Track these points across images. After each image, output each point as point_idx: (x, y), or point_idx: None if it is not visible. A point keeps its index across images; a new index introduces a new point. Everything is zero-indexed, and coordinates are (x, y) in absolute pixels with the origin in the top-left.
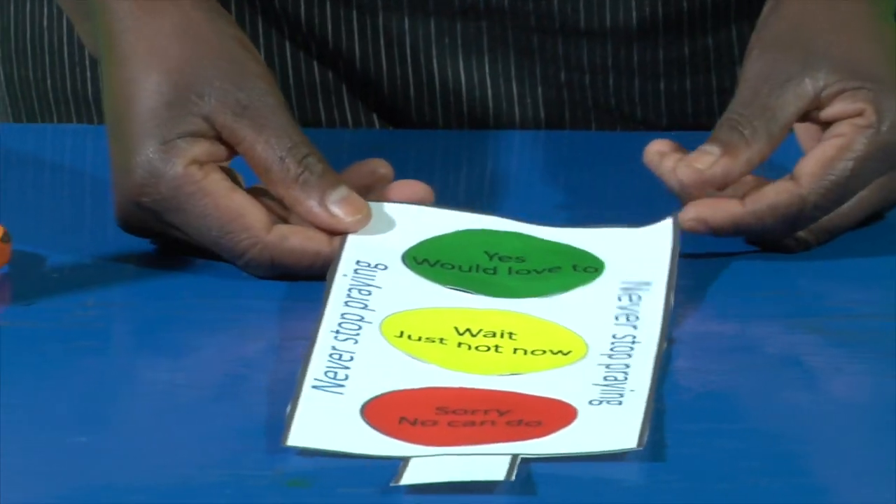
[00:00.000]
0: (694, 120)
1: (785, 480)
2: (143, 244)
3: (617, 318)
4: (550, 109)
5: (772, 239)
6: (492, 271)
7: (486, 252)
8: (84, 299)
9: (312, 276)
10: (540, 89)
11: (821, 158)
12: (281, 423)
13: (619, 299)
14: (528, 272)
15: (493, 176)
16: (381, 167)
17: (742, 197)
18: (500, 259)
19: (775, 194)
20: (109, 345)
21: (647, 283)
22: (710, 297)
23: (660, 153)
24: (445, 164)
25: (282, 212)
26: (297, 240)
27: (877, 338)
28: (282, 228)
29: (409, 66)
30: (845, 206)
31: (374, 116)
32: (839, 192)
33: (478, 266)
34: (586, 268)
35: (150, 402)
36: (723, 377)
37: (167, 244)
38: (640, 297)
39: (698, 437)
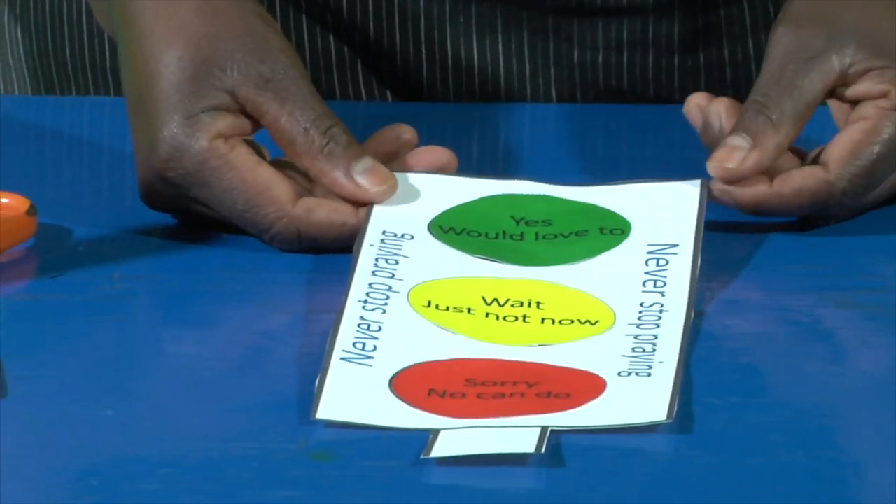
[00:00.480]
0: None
1: (815, 455)
2: (168, 217)
3: (644, 285)
4: (562, 89)
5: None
6: (518, 237)
7: (512, 217)
8: (110, 272)
9: (339, 248)
10: (553, 69)
11: (847, 143)
12: (306, 396)
13: (647, 264)
14: (555, 236)
15: (508, 146)
16: (406, 132)
17: (771, 177)
18: (527, 223)
19: (802, 179)
20: (135, 318)
21: (674, 246)
22: (737, 270)
23: (699, 106)
24: (459, 135)
25: (307, 184)
26: (323, 212)
27: None
28: (308, 201)
29: (423, 44)
30: (874, 191)
31: (388, 92)
32: (867, 177)
33: (504, 232)
34: (613, 230)
35: (175, 375)
36: (751, 351)
37: (192, 220)
38: (667, 262)
39: (726, 411)
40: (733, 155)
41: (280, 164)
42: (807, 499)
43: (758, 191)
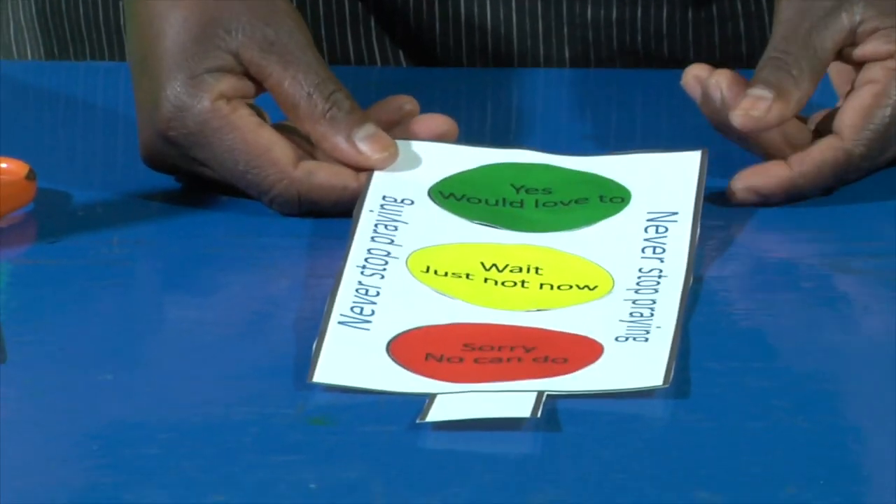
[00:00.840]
0: (721, 49)
1: (816, 420)
2: (169, 182)
3: (643, 251)
4: (576, 49)
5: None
6: (518, 204)
7: (512, 185)
8: (109, 237)
9: (339, 212)
10: (566, 28)
11: (859, 108)
12: (305, 361)
13: (646, 231)
14: (555, 204)
15: (519, 113)
16: (407, 103)
17: (786, 160)
18: (527, 191)
19: (820, 152)
20: (135, 283)
21: (674, 214)
22: (737, 236)
23: (697, 77)
24: (471, 101)
25: (308, 148)
26: (323, 175)
27: None
28: (309, 164)
29: (437, 1)
30: (888, 153)
31: (400, 52)
32: (882, 140)
33: (504, 199)
34: (613, 198)
35: (175, 340)
36: (751, 316)
37: (193, 182)
38: (666, 229)
39: (726, 377)
40: (758, 104)
41: (281, 128)
42: (807, 463)
43: (781, 176)
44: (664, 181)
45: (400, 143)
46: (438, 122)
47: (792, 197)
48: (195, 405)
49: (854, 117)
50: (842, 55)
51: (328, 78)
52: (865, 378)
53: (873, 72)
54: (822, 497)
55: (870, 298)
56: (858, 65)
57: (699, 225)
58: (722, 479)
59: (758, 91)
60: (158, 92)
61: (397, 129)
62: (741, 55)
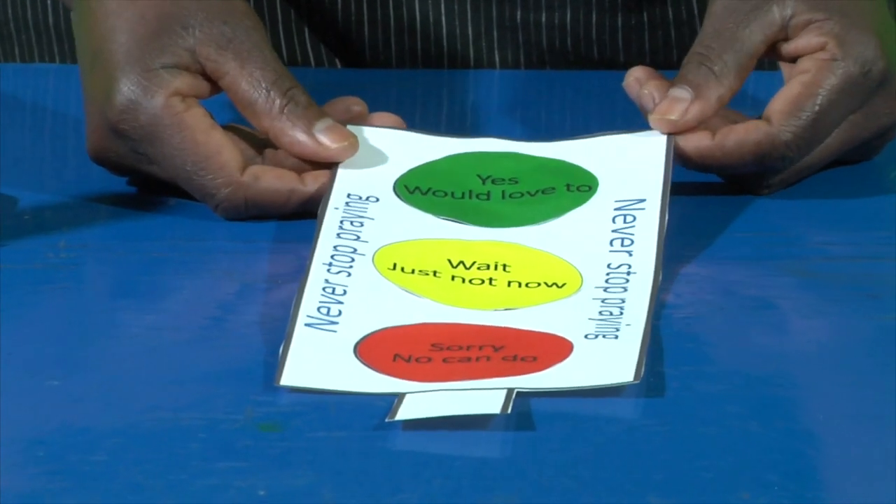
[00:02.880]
0: (651, 56)
1: (772, 425)
2: (117, 185)
3: (611, 244)
4: (506, 52)
5: (740, 178)
6: (485, 196)
7: (478, 175)
8: (56, 241)
9: (286, 217)
10: (496, 31)
11: (788, 96)
12: (257, 366)
13: (614, 221)
14: (522, 195)
15: (451, 114)
16: (356, 105)
17: (713, 131)
18: (494, 182)
19: (745, 131)
20: (82, 287)
21: (641, 201)
22: (683, 237)
23: (638, 80)
24: (403, 103)
25: (256, 154)
26: (269, 179)
27: (854, 280)
28: (254, 169)
29: (366, 3)
30: (818, 148)
31: (332, 54)
32: (811, 129)
33: (471, 192)
34: (580, 186)
35: (123, 345)
36: (699, 320)
37: (139, 181)
38: (634, 218)
39: (678, 380)
40: (675, 106)
41: (230, 130)
42: (761, 468)
43: (700, 142)
44: (631, 166)
45: (365, 130)
46: (387, 122)
47: (708, 168)
48: (143, 410)
49: (783, 104)
50: (774, 51)
51: (284, 75)
52: (816, 383)
53: (805, 63)
54: (776, 502)
55: (817, 302)
56: (791, 60)
57: (667, 212)
58: (675, 484)
59: (676, 92)
60: (112, 84)
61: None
62: (672, 61)
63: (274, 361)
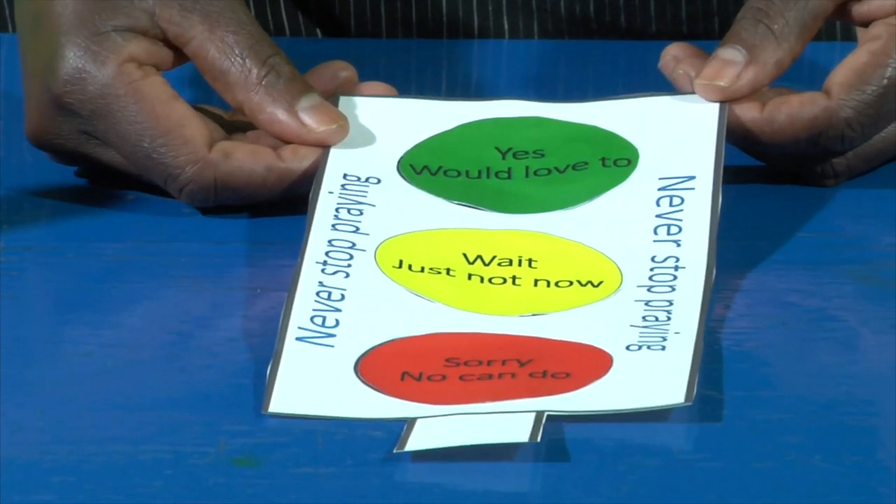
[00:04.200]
0: (689, 25)
1: (839, 459)
2: (65, 175)
3: (656, 232)
4: (516, 19)
5: (796, 163)
6: (506, 175)
7: (497, 148)
8: None
9: (260, 203)
10: None
11: (853, 66)
12: (228, 390)
13: (658, 204)
14: (549, 172)
15: (451, 90)
16: (344, 70)
17: (763, 103)
18: (515, 156)
19: (800, 104)
20: (25, 297)
21: (690, 179)
22: (730, 236)
23: (676, 58)
24: (396, 78)
25: (224, 133)
26: (242, 156)
27: None
28: (225, 145)
29: None
30: (888, 128)
31: (311, 23)
32: (876, 106)
33: (488, 169)
34: (617, 160)
35: (73, 366)
36: (752, 335)
37: (84, 167)
38: (682, 200)
39: (729, 407)
40: (725, 71)
41: (196, 109)
42: None
43: (746, 114)
44: (676, 135)
45: (358, 100)
46: (378, 90)
47: (753, 146)
48: (97, 443)
49: (846, 75)
50: (845, 12)
51: (263, 40)
52: (893, 408)
53: (876, 29)
54: None
55: (892, 314)
56: (864, 24)
57: (720, 193)
58: None
59: (728, 53)
60: (56, 51)
61: (333, 100)
62: (714, 32)
63: (251, 385)
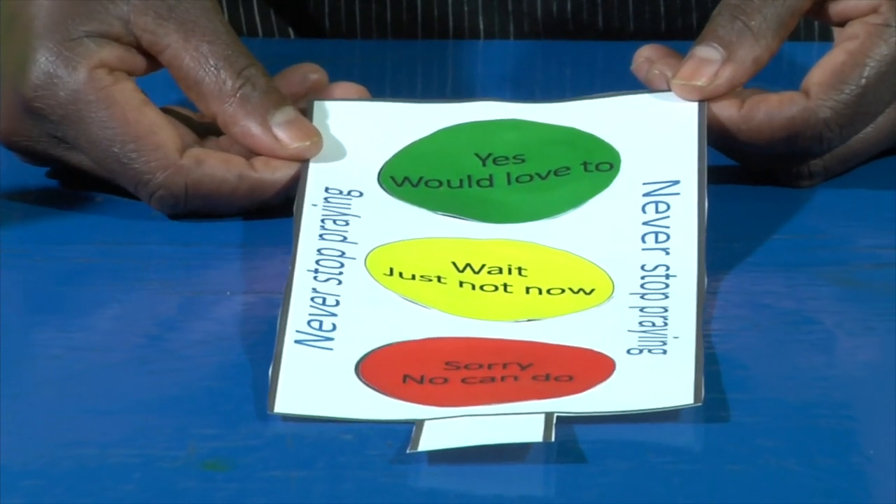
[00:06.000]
0: (667, 24)
1: (814, 463)
2: (34, 177)
3: (644, 240)
4: (492, 19)
5: (772, 164)
6: (487, 182)
7: (477, 155)
8: None
9: (231, 212)
10: None
11: (830, 66)
12: (201, 393)
13: (644, 210)
14: (531, 178)
15: (432, 94)
16: (314, 72)
17: (741, 101)
18: (496, 162)
19: (778, 103)
20: None
21: (674, 183)
22: (710, 242)
23: (649, 60)
24: (371, 79)
25: (196, 139)
26: (214, 163)
27: None
28: (195, 151)
29: None
30: (866, 130)
31: (284, 23)
32: (854, 106)
33: (470, 178)
34: (599, 164)
35: (41, 369)
36: (728, 338)
37: (56, 170)
38: (668, 206)
39: (703, 411)
40: (703, 70)
41: (168, 113)
42: None
43: (723, 112)
44: (656, 136)
45: (331, 104)
46: (349, 91)
47: (730, 145)
48: (65, 446)
49: (824, 74)
50: (821, 11)
51: (239, 51)
52: (868, 411)
53: (853, 28)
54: None
55: (870, 316)
56: (840, 24)
57: (706, 197)
58: None
59: (704, 51)
60: (27, 55)
61: (303, 102)
62: (692, 27)
63: (221, 388)
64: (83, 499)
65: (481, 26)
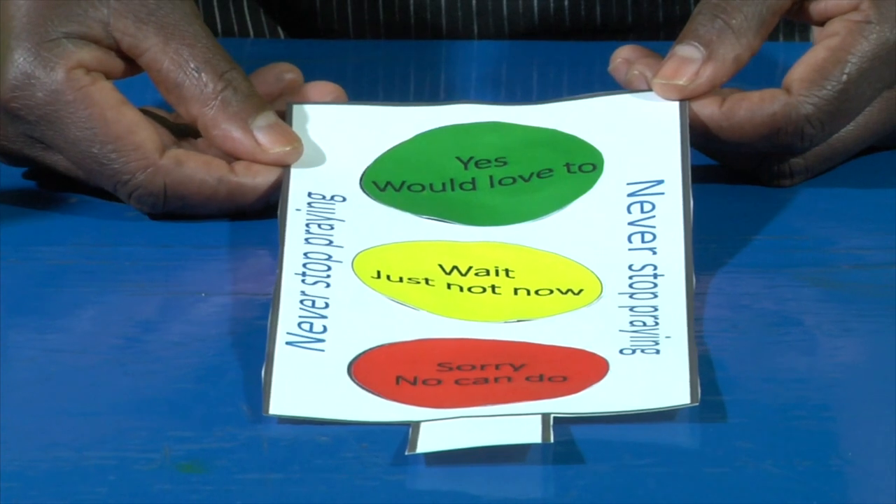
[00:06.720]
0: (665, 12)
1: (791, 465)
2: (11, 177)
3: (630, 240)
4: (486, 20)
5: (753, 163)
6: (470, 186)
7: (458, 158)
8: None
9: (210, 213)
10: None
11: (812, 63)
12: (176, 396)
13: (629, 211)
14: (514, 181)
15: (425, 95)
16: (289, 72)
17: (722, 99)
18: (477, 165)
19: (760, 100)
20: None
21: (658, 183)
22: (695, 243)
23: (627, 61)
24: (363, 80)
25: (175, 140)
26: (194, 165)
27: (889, 292)
28: (177, 152)
29: None
30: (847, 127)
31: (274, 24)
32: (836, 102)
33: (452, 181)
34: (582, 166)
35: (15, 371)
36: (707, 339)
37: (37, 171)
38: (653, 206)
39: (679, 413)
40: (683, 69)
41: (147, 114)
42: None
43: (704, 110)
44: (639, 136)
45: (310, 108)
46: (325, 91)
47: (711, 143)
48: (39, 449)
49: (806, 71)
50: (801, 10)
51: (219, 55)
52: (848, 412)
53: (834, 26)
54: None
55: (849, 317)
56: (821, 22)
57: (692, 196)
58: None
59: (685, 50)
60: (4, 55)
61: (278, 102)
62: (689, 14)
63: (196, 390)
64: (58, 501)
65: (475, 28)
